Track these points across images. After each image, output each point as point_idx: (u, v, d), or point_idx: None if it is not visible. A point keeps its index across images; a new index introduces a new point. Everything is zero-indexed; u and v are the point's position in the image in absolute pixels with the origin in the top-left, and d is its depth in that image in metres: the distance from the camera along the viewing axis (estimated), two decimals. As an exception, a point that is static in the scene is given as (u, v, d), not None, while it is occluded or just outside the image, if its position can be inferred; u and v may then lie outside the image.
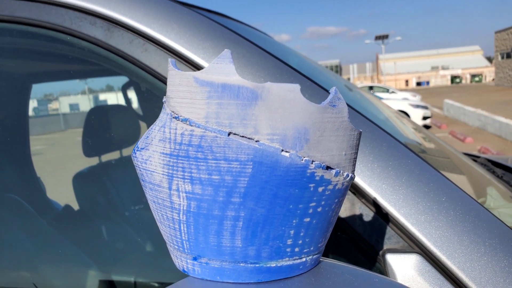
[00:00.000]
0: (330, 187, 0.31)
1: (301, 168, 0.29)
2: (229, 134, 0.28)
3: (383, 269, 0.52)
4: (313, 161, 0.29)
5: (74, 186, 1.34)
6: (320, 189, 0.30)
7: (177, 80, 0.30)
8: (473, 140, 9.05)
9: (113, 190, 1.33)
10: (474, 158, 1.67)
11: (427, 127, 12.25)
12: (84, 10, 0.69)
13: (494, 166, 1.54)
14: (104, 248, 1.10)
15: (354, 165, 0.33)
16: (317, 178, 0.30)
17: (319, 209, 0.31)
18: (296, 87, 0.28)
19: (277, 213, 0.29)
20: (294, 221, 0.30)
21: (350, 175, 0.32)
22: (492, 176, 1.30)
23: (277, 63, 0.64)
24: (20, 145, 1.49)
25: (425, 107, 12.14)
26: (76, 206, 1.31)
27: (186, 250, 0.32)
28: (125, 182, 1.34)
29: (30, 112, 1.58)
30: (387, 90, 17.12)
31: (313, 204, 0.30)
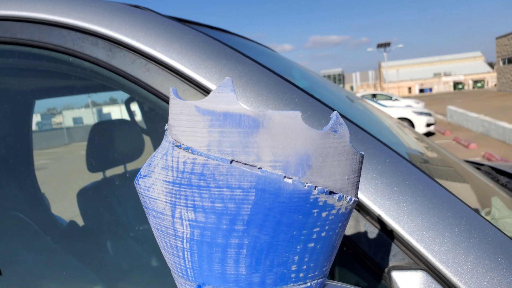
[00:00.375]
0: (334, 211, 0.31)
1: (304, 194, 0.29)
2: (231, 162, 0.28)
3: (389, 286, 0.51)
4: (316, 186, 0.29)
5: (79, 202, 1.34)
6: (323, 214, 0.30)
7: (179, 109, 0.30)
8: (477, 146, 9.01)
9: (118, 205, 1.33)
10: (477, 166, 1.66)
11: (431, 133, 12.22)
12: (86, 31, 0.70)
13: (498, 174, 1.53)
14: (109, 264, 1.10)
15: (357, 188, 0.33)
16: (321, 203, 0.30)
17: (323, 234, 0.31)
18: (297, 114, 0.28)
19: (281, 240, 0.29)
20: (298, 247, 0.30)
21: (353, 199, 0.32)
22: (496, 185, 1.29)
23: (278, 80, 0.64)
24: (24, 160, 1.50)
25: (429, 114, 12.12)
26: (81, 222, 1.31)
27: (190, 278, 0.32)
28: (130, 197, 1.34)
29: (34, 127, 1.59)
30: (390, 98, 17.14)
31: (317, 229, 0.30)
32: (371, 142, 0.59)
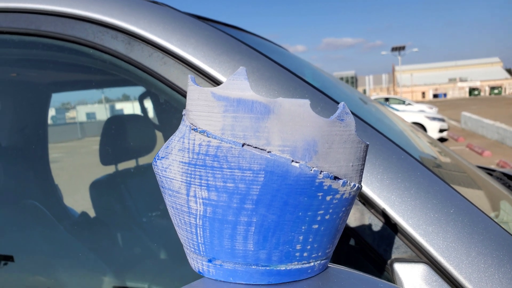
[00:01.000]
0: (338, 196, 0.33)
1: (310, 178, 0.31)
2: (243, 145, 0.30)
3: (391, 278, 0.53)
4: (321, 171, 0.31)
5: (91, 194, 1.37)
6: (328, 198, 0.32)
7: (196, 95, 0.32)
8: (491, 153, 8.90)
9: (128, 198, 1.36)
10: (489, 172, 1.66)
11: (443, 140, 12.11)
12: (107, 25, 0.72)
13: (510, 180, 1.53)
14: (120, 254, 1.12)
15: (361, 175, 0.35)
16: (325, 187, 0.32)
17: (327, 217, 0.33)
18: (306, 102, 0.30)
19: (287, 220, 0.31)
20: (303, 227, 0.32)
21: (357, 185, 0.34)
22: (507, 190, 1.29)
23: (290, 76, 0.66)
24: (39, 152, 1.54)
25: (442, 120, 12.01)
26: (92, 213, 1.34)
27: (201, 253, 0.34)
28: (141, 190, 1.37)
29: (49, 121, 1.63)
30: (403, 102, 17.00)
31: (321, 212, 0.32)
32: (378, 138, 0.60)
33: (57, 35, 0.75)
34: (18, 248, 1.05)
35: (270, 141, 0.30)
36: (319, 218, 0.32)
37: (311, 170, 0.31)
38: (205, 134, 0.31)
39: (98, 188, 1.40)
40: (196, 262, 0.35)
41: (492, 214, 0.98)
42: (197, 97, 0.32)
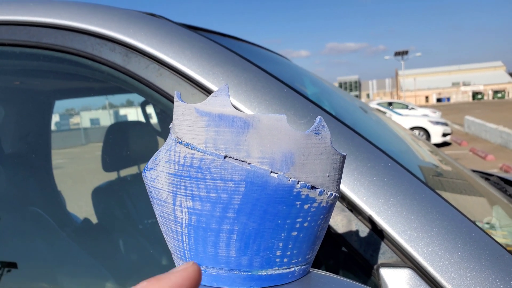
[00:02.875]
0: (315, 204, 0.35)
1: (288, 188, 0.33)
2: (225, 157, 0.32)
3: (377, 282, 0.55)
4: (298, 181, 0.33)
5: (93, 200, 1.39)
6: (306, 206, 0.34)
7: (181, 110, 0.35)
8: (495, 157, 8.88)
9: (130, 204, 1.38)
10: (486, 176, 1.67)
11: (447, 144, 12.08)
12: (105, 37, 0.75)
13: (507, 185, 1.54)
14: (122, 260, 1.14)
15: (338, 185, 0.37)
16: (303, 196, 0.34)
17: (305, 224, 0.35)
18: (283, 117, 0.32)
19: (267, 227, 0.33)
20: (283, 234, 0.34)
21: (334, 194, 0.36)
22: (503, 195, 1.30)
23: (282, 87, 0.68)
24: (42, 159, 1.56)
25: (445, 124, 12.00)
26: (94, 220, 1.36)
27: (187, 259, 0.36)
28: (142, 196, 1.39)
29: (52, 127, 1.65)
30: (406, 107, 17.00)
31: (300, 219, 0.34)
32: (366, 146, 0.62)
33: (57, 47, 0.78)
34: (21, 255, 1.07)
35: (250, 153, 0.32)
36: (297, 225, 0.34)
37: (289, 180, 0.33)
38: (190, 147, 0.33)
39: (100, 195, 1.42)
40: (183, 268, 0.37)
41: (485, 220, 0.99)
42: (182, 112, 0.34)
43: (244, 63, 0.71)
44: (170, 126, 0.37)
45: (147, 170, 0.37)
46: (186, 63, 0.69)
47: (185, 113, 0.34)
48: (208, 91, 0.67)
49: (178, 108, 0.35)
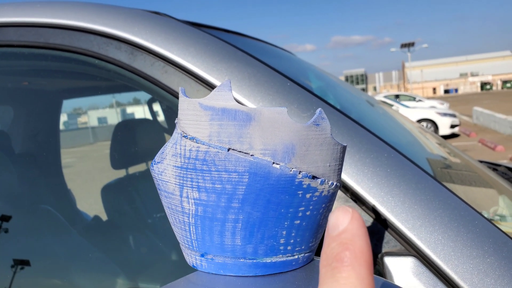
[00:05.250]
0: (317, 193, 0.36)
1: (290, 178, 0.34)
2: (228, 150, 0.34)
3: (382, 271, 0.56)
4: (300, 171, 0.34)
5: (103, 198, 1.42)
6: (307, 196, 0.35)
7: (186, 105, 0.36)
8: (505, 148, 8.80)
9: (139, 201, 1.40)
10: (494, 167, 1.66)
11: (455, 135, 12.00)
12: (110, 36, 0.76)
13: (515, 175, 1.53)
14: (132, 257, 1.16)
15: (339, 174, 0.38)
16: (305, 186, 0.35)
17: (308, 213, 0.36)
18: (284, 110, 0.33)
19: (270, 216, 0.35)
20: (286, 223, 0.35)
21: (335, 183, 0.37)
22: (509, 185, 1.30)
23: (285, 81, 0.69)
24: (52, 158, 1.59)
25: (453, 115, 11.90)
26: (104, 217, 1.38)
27: (195, 248, 0.37)
28: (151, 193, 1.41)
29: (61, 126, 1.67)
30: (413, 99, 16.89)
31: (302, 208, 0.35)
32: (369, 138, 0.63)
33: (64, 47, 0.79)
34: (34, 252, 1.09)
35: (252, 145, 0.34)
36: (300, 214, 0.35)
37: (291, 170, 0.34)
38: (195, 140, 0.35)
39: (109, 192, 1.45)
40: (190, 257, 0.38)
41: (492, 209, 1.00)
42: (187, 107, 0.36)
43: (248, 59, 0.72)
44: (176, 120, 0.38)
45: (154, 163, 0.39)
46: (190, 60, 0.70)
47: (189, 108, 0.35)
48: (212, 87, 0.69)
49: (183, 103, 0.36)
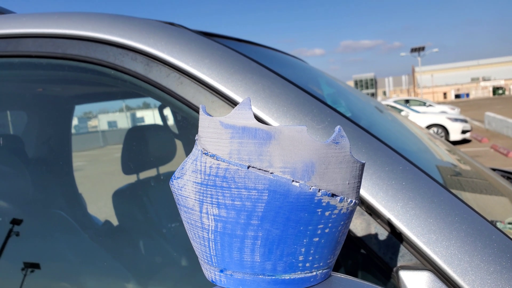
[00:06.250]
0: (336, 211, 0.36)
1: (310, 196, 0.34)
2: (248, 167, 0.34)
3: (397, 285, 0.55)
4: (319, 189, 0.35)
5: (114, 203, 1.43)
6: (327, 213, 0.35)
7: (207, 123, 0.36)
8: (517, 154, 8.69)
9: (151, 207, 1.41)
10: (508, 175, 1.65)
11: (466, 141, 11.88)
12: (126, 47, 0.77)
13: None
14: (142, 262, 1.17)
15: (358, 192, 0.38)
16: (324, 204, 0.35)
17: (326, 230, 0.36)
18: (303, 128, 0.34)
19: (289, 234, 0.35)
20: (305, 240, 0.36)
21: (354, 201, 0.37)
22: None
23: (299, 93, 0.69)
24: (64, 162, 1.61)
25: (464, 121, 11.80)
26: (115, 222, 1.39)
27: (214, 264, 0.37)
28: (163, 199, 1.41)
29: (72, 130, 1.69)
30: (424, 104, 16.78)
31: (321, 226, 0.36)
32: (384, 150, 0.63)
33: (81, 58, 0.80)
34: (44, 256, 1.10)
35: (272, 163, 0.34)
36: (319, 231, 0.36)
37: (310, 188, 0.34)
38: (215, 157, 0.35)
39: (120, 197, 1.46)
40: (209, 272, 0.39)
41: (507, 220, 0.99)
42: (207, 125, 0.36)
43: (262, 70, 0.72)
44: (196, 137, 0.39)
45: (174, 179, 0.39)
46: (205, 72, 0.71)
47: (210, 126, 0.36)
48: (227, 98, 0.69)
49: (204, 121, 0.37)
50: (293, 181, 0.34)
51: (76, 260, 1.13)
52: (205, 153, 0.36)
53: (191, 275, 1.07)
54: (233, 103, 0.69)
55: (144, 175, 1.51)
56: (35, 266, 1.04)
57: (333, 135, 0.35)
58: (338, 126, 0.36)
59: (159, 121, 1.55)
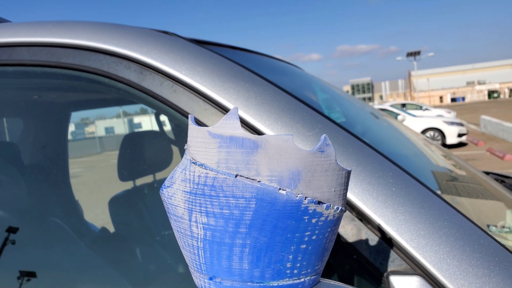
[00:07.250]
0: (323, 218, 0.37)
1: (296, 203, 0.35)
2: (236, 176, 0.35)
3: (388, 290, 0.56)
4: (306, 197, 0.35)
5: (110, 209, 1.43)
6: (313, 220, 0.36)
7: (195, 133, 0.37)
8: (512, 157, 8.73)
9: (147, 213, 1.41)
10: (502, 179, 1.66)
11: (463, 144, 11.93)
12: (120, 56, 0.78)
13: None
14: (139, 268, 1.17)
15: (344, 199, 0.39)
16: (310, 211, 0.36)
17: (313, 237, 0.37)
18: (290, 137, 0.34)
19: (277, 241, 0.36)
20: (292, 247, 0.36)
21: (340, 208, 0.38)
22: (518, 198, 1.29)
23: (290, 99, 0.70)
24: (60, 169, 1.61)
25: (461, 124, 11.85)
26: (111, 228, 1.39)
27: (203, 271, 0.38)
28: (159, 205, 1.41)
29: (69, 137, 1.69)
30: (420, 107, 16.85)
31: (308, 233, 0.36)
32: (374, 157, 0.64)
33: (75, 66, 0.81)
34: (40, 264, 1.10)
35: (259, 172, 0.35)
36: (306, 238, 0.36)
37: (297, 196, 0.35)
38: (203, 167, 0.36)
39: (117, 204, 1.46)
40: (199, 280, 0.39)
41: (499, 223, 1.00)
42: (196, 135, 0.37)
43: (254, 77, 0.73)
44: (185, 146, 0.39)
45: (164, 187, 0.40)
46: (198, 80, 0.72)
47: (199, 136, 0.37)
48: (219, 106, 0.70)
49: (193, 131, 0.38)
50: (280, 189, 0.35)
51: (72, 268, 1.13)
52: (193, 163, 0.37)
53: (187, 282, 1.07)
54: (225, 110, 0.69)
55: (140, 181, 1.51)
56: (31, 274, 1.04)
57: (319, 143, 0.36)
58: (324, 135, 0.36)
59: (156, 127, 1.55)
